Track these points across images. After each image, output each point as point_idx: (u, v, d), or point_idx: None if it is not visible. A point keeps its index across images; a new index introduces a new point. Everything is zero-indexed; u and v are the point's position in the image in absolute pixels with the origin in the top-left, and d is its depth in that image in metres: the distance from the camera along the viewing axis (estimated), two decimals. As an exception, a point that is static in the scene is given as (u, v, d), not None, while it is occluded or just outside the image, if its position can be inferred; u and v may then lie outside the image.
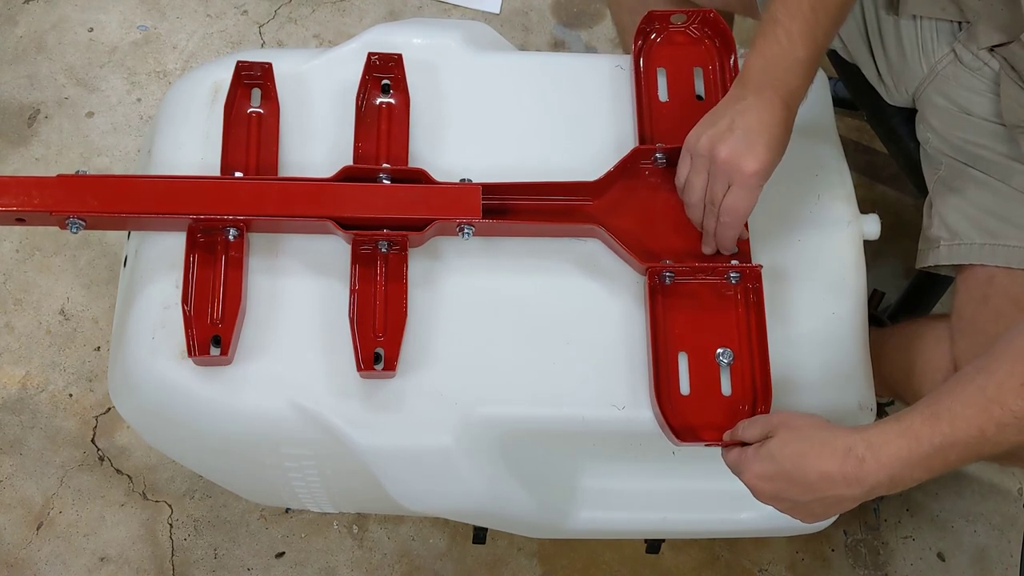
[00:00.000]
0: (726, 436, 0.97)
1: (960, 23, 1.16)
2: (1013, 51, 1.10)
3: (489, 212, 1.03)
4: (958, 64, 1.15)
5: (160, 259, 1.04)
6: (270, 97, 1.09)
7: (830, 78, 1.22)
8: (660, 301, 1.03)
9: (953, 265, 1.14)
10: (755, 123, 0.97)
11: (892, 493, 0.88)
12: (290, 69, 1.12)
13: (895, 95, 1.24)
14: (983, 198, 1.13)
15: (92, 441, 1.55)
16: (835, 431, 0.89)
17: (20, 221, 1.01)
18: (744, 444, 0.95)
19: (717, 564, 1.51)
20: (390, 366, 0.99)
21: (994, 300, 1.10)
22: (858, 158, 1.77)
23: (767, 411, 0.99)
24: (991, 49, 1.12)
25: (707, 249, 1.05)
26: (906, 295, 1.53)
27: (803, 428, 0.90)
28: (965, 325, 1.12)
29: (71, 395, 1.57)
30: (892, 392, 1.30)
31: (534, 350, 1.03)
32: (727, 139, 0.97)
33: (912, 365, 1.19)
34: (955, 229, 1.14)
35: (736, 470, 0.95)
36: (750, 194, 0.98)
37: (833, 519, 1.08)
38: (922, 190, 1.25)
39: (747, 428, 0.94)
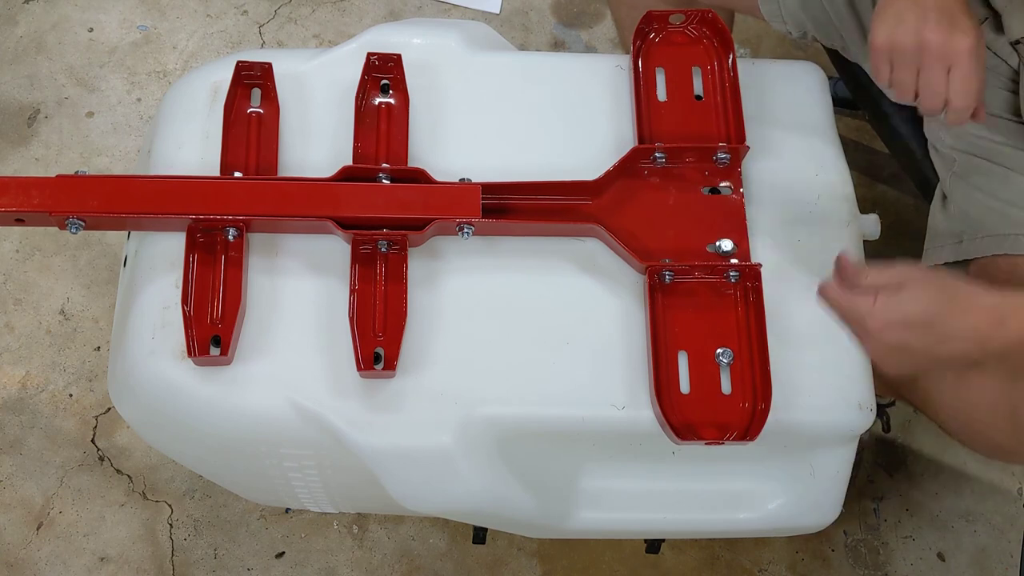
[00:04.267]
0: (832, 280, 0.91)
1: None
2: None
3: (489, 212, 1.03)
4: None
5: (160, 259, 1.04)
6: (270, 97, 1.10)
7: (830, 78, 1.22)
8: (660, 300, 1.03)
9: (963, 261, 1.13)
10: None
11: (997, 363, 0.88)
12: (290, 69, 1.12)
13: None
14: (1003, 190, 1.12)
15: (92, 441, 1.55)
16: (977, 288, 0.87)
17: (20, 222, 1.01)
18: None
19: (717, 564, 1.51)
20: (390, 366, 0.99)
21: (1015, 286, 1.08)
22: (858, 158, 1.77)
23: (767, 409, 0.99)
24: (1015, 43, 1.10)
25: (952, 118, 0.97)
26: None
27: (944, 283, 0.88)
28: None
29: (71, 395, 1.57)
30: (893, 391, 1.29)
31: (534, 350, 1.03)
32: (928, 23, 0.90)
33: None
34: (978, 222, 1.12)
35: (852, 315, 0.90)
36: (978, 66, 0.92)
37: (833, 518, 1.09)
38: (923, 190, 1.25)
39: (877, 275, 0.88)
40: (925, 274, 0.89)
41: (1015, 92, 1.11)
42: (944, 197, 1.18)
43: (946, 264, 1.15)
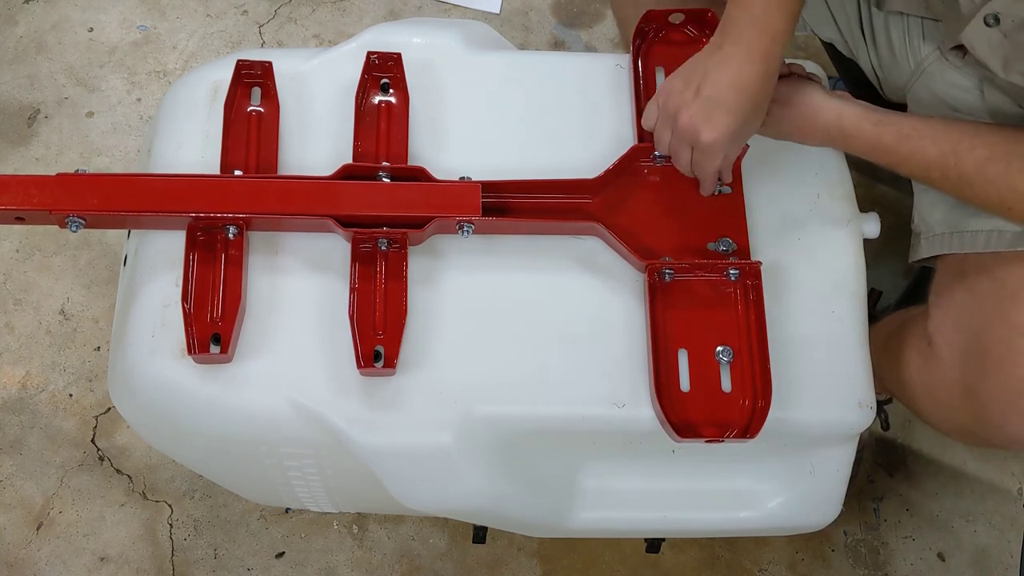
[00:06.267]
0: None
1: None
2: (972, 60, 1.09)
3: (489, 210, 1.03)
4: (944, 61, 1.14)
5: (160, 258, 1.04)
6: (270, 96, 1.10)
7: (830, 77, 1.22)
8: (660, 298, 1.03)
9: (935, 257, 1.15)
10: (724, 85, 0.96)
11: None
12: (290, 69, 1.12)
13: (887, 91, 1.24)
14: None
15: (92, 441, 1.55)
16: (821, 116, 1.03)
17: (20, 220, 1.01)
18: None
19: (717, 564, 1.51)
20: (390, 364, 0.99)
21: (969, 275, 1.10)
22: (858, 158, 1.77)
23: (767, 407, 0.99)
24: (955, 48, 1.11)
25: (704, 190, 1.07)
26: (906, 294, 1.54)
27: (792, 112, 1.04)
28: (942, 301, 1.12)
29: (71, 395, 1.57)
30: (879, 384, 1.29)
31: (534, 348, 1.03)
32: (689, 106, 0.98)
33: (895, 353, 1.19)
34: (929, 222, 1.15)
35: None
36: (711, 158, 1.01)
37: (833, 517, 1.09)
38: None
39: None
40: (789, 100, 1.04)
41: (983, 91, 1.12)
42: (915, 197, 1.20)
43: (923, 262, 1.17)
